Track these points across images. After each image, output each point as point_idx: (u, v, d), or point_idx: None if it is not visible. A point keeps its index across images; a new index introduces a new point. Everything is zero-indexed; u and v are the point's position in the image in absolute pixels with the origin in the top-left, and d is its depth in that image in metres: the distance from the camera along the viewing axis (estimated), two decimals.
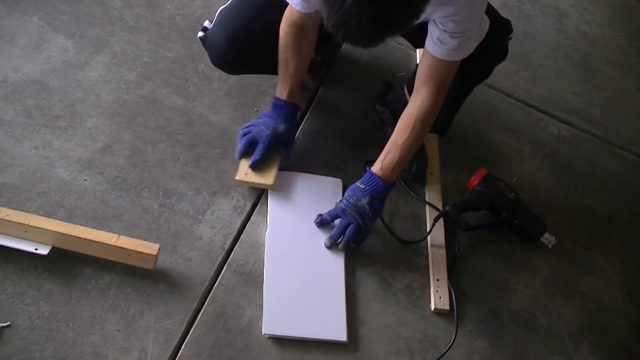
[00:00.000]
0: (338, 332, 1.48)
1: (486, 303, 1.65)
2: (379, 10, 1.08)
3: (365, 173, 1.58)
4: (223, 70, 1.69)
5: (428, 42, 1.46)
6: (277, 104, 1.63)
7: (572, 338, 1.66)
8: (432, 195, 1.78)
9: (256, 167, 1.60)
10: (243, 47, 1.59)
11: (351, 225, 1.55)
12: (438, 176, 1.83)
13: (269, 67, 1.64)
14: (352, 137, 1.83)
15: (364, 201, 1.54)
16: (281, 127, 1.60)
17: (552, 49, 2.43)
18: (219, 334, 1.42)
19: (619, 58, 2.51)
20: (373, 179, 1.55)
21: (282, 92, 1.62)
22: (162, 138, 1.68)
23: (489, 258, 1.74)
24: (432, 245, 1.68)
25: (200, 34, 1.67)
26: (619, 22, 2.65)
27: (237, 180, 1.61)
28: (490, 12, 1.52)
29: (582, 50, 2.47)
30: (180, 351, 1.37)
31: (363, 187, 1.55)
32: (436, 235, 1.69)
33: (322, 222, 1.60)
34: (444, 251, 1.67)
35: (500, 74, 2.24)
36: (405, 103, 1.60)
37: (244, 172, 1.61)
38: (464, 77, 1.56)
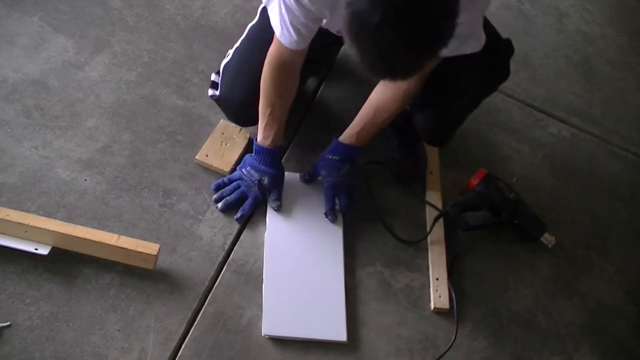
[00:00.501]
0: (338, 332, 1.48)
1: (486, 303, 1.65)
2: (413, 42, 1.02)
3: (331, 144, 1.62)
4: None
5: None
6: (261, 151, 1.57)
7: (572, 338, 1.66)
8: (432, 195, 1.78)
9: (241, 220, 1.59)
10: (250, 114, 1.59)
11: (341, 196, 1.63)
12: (438, 176, 1.83)
13: None
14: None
15: (344, 170, 1.60)
16: (266, 180, 1.58)
17: (552, 49, 2.43)
18: (219, 334, 1.42)
19: (619, 58, 2.51)
20: (347, 149, 1.60)
21: (266, 137, 1.56)
22: (162, 138, 1.68)
23: (489, 258, 1.74)
24: (432, 244, 1.68)
25: (211, 92, 1.67)
26: (619, 22, 2.65)
27: (196, 160, 1.64)
28: (491, 32, 1.49)
29: (582, 50, 2.47)
30: (180, 351, 1.37)
31: (338, 158, 1.60)
32: (436, 235, 1.69)
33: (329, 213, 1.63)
34: (443, 250, 1.67)
35: None
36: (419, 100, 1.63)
37: (205, 153, 1.65)
38: (468, 96, 1.58)
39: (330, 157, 1.61)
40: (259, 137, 1.58)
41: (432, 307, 1.59)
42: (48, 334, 1.32)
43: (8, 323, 1.31)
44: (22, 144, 1.57)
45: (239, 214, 1.57)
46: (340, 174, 1.61)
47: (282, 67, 1.48)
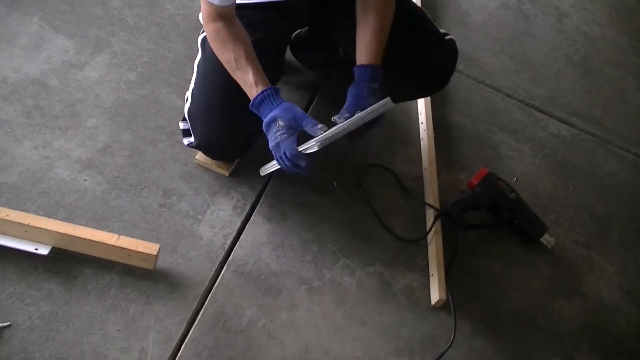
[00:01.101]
0: None
1: (486, 303, 1.65)
2: None
3: (355, 73, 1.46)
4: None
5: None
6: (265, 98, 1.42)
7: (572, 338, 1.66)
8: (431, 195, 1.78)
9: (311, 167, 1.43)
10: (234, 148, 1.59)
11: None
12: (436, 176, 1.82)
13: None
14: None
15: (375, 92, 1.45)
16: (291, 115, 1.40)
17: (552, 49, 2.43)
18: (219, 334, 1.42)
19: (619, 58, 2.51)
20: (375, 69, 1.45)
21: (257, 84, 1.42)
22: (162, 138, 1.68)
23: (489, 258, 1.74)
24: (430, 243, 1.68)
25: (186, 141, 1.60)
26: (619, 22, 2.65)
27: (196, 160, 1.64)
28: (434, 32, 1.60)
29: (582, 50, 2.47)
30: (180, 351, 1.37)
31: (373, 84, 1.44)
32: (435, 234, 1.69)
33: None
34: (441, 248, 1.67)
35: (500, 74, 2.25)
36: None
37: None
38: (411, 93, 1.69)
39: (367, 83, 1.44)
40: (252, 93, 1.43)
41: (432, 303, 1.59)
42: (48, 334, 1.32)
43: (8, 323, 1.31)
44: (22, 144, 1.57)
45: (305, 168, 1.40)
46: (378, 97, 1.42)
47: (222, 20, 1.43)
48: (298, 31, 1.88)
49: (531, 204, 1.81)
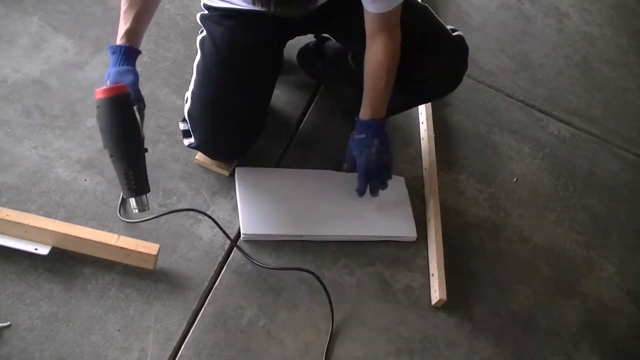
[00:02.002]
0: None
1: (486, 303, 1.65)
2: None
3: (356, 125, 1.60)
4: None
5: (365, 4, 1.46)
6: (118, 50, 1.40)
7: (572, 338, 1.66)
8: (431, 195, 1.78)
9: None
10: (234, 149, 1.62)
11: (375, 180, 1.61)
12: (436, 175, 1.82)
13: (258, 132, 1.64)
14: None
15: (375, 146, 1.56)
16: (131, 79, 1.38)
17: (552, 49, 2.43)
18: (219, 334, 1.42)
19: (619, 58, 2.51)
20: (370, 123, 1.57)
21: (127, 36, 1.41)
22: (162, 138, 1.68)
23: (489, 258, 1.74)
24: (431, 243, 1.68)
25: (186, 142, 1.61)
26: (619, 22, 2.65)
27: (196, 160, 1.64)
28: (441, 29, 1.62)
29: (582, 50, 2.47)
30: (180, 351, 1.37)
31: (365, 135, 1.57)
32: (436, 234, 1.69)
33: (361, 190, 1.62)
34: (442, 248, 1.66)
35: (500, 74, 2.25)
36: (344, 53, 1.74)
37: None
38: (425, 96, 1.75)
39: (357, 136, 1.58)
40: (116, 41, 1.41)
41: (432, 302, 1.59)
42: (48, 334, 1.32)
43: (8, 323, 1.31)
44: (22, 144, 1.57)
45: None
46: (372, 151, 1.57)
47: None
48: (306, 43, 1.90)
49: (531, 203, 1.81)
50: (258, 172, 1.65)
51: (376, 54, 1.52)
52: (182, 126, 1.62)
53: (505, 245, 1.78)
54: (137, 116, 1.31)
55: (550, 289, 1.74)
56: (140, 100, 1.36)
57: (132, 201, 1.32)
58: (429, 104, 1.98)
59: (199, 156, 1.64)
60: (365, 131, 1.57)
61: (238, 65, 1.54)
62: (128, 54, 1.40)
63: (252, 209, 1.59)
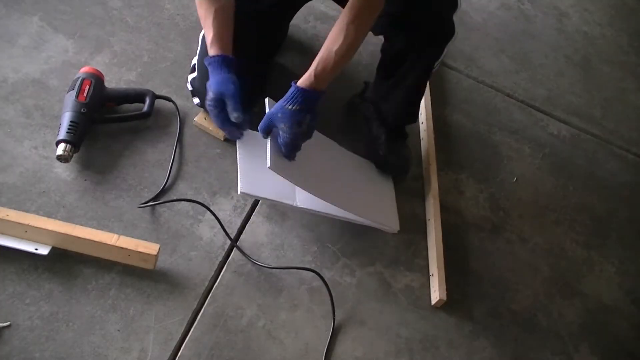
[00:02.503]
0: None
1: (486, 303, 1.65)
2: None
3: (290, 91, 1.46)
4: None
5: None
6: (213, 62, 1.49)
7: (572, 338, 1.66)
8: (431, 195, 1.78)
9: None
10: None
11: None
12: (436, 175, 1.82)
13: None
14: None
15: (305, 122, 1.46)
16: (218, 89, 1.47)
17: (552, 49, 2.43)
18: (219, 334, 1.42)
19: (619, 58, 2.51)
20: (308, 94, 1.44)
21: (218, 45, 1.49)
22: (162, 138, 1.68)
23: (489, 258, 1.74)
24: (431, 243, 1.68)
25: (190, 86, 1.70)
26: (619, 22, 2.65)
27: (194, 122, 1.70)
28: None
29: (582, 50, 2.47)
30: (180, 351, 1.37)
31: (298, 107, 1.44)
32: (436, 234, 1.69)
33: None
34: (442, 248, 1.67)
35: (500, 74, 2.25)
36: (383, 91, 1.72)
37: (204, 116, 1.71)
38: (415, 62, 1.61)
39: (290, 106, 1.44)
40: (209, 52, 1.49)
41: (432, 302, 1.59)
42: (48, 334, 1.32)
43: (8, 323, 1.31)
44: (22, 144, 1.57)
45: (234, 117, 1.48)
46: (302, 127, 1.46)
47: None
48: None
49: (531, 203, 1.81)
50: (259, 135, 1.58)
51: (345, 12, 1.44)
52: (189, 86, 1.70)
53: (505, 245, 1.78)
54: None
55: (550, 289, 1.74)
56: (243, 110, 1.47)
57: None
58: (429, 105, 1.97)
59: (198, 118, 1.71)
60: (300, 103, 1.44)
61: (241, 34, 1.55)
62: (222, 62, 1.48)
63: (251, 168, 1.56)
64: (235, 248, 1.54)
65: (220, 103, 1.48)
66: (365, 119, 1.82)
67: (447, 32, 1.61)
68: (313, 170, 1.61)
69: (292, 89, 1.46)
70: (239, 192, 1.52)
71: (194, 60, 1.70)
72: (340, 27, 1.44)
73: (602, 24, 2.61)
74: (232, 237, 1.55)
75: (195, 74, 1.67)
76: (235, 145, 1.61)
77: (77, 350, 1.31)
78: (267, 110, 1.51)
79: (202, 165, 1.66)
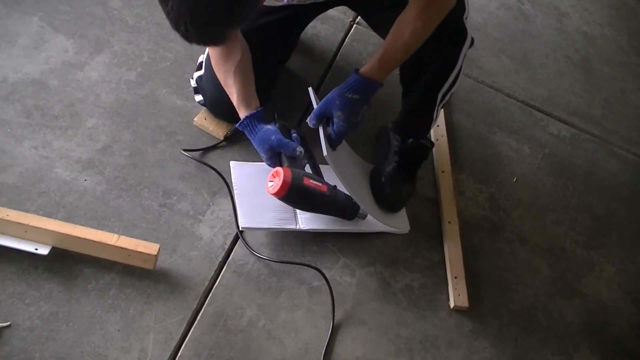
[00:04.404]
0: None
1: (486, 303, 1.65)
2: (199, 15, 1.07)
3: (351, 78, 1.46)
4: None
5: None
6: (248, 124, 1.54)
7: (572, 338, 1.66)
8: (445, 194, 1.78)
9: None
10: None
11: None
12: (451, 179, 1.82)
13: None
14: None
15: (362, 112, 1.47)
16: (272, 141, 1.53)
17: (552, 49, 2.43)
18: (219, 334, 1.42)
19: (619, 58, 2.51)
20: (368, 85, 1.45)
21: (244, 104, 1.55)
22: (162, 138, 1.68)
23: (489, 258, 1.74)
24: (448, 242, 1.69)
25: (193, 83, 1.71)
26: (619, 22, 2.65)
27: (195, 122, 1.70)
28: None
29: (582, 50, 2.47)
30: (180, 351, 1.37)
31: (358, 97, 1.45)
32: (452, 233, 1.70)
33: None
34: (459, 248, 1.67)
35: (500, 74, 2.25)
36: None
37: (204, 116, 1.71)
38: (431, 71, 1.55)
39: (349, 95, 1.45)
40: (239, 113, 1.55)
41: (451, 305, 1.60)
42: (48, 334, 1.32)
43: (8, 323, 1.31)
44: (22, 144, 1.57)
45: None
46: (358, 118, 1.47)
47: (222, 57, 1.52)
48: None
49: (531, 203, 1.81)
50: (253, 166, 1.65)
51: (408, 12, 1.42)
52: (193, 83, 1.70)
53: (505, 245, 1.78)
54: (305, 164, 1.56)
55: (550, 289, 1.74)
56: (297, 144, 1.52)
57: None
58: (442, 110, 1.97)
59: (198, 118, 1.71)
60: (360, 92, 1.45)
61: (252, 40, 1.56)
62: (253, 120, 1.53)
63: (249, 201, 1.58)
64: (240, 239, 1.54)
65: (273, 157, 1.55)
66: (388, 144, 1.73)
67: (458, 35, 1.56)
68: (352, 174, 1.62)
69: (353, 77, 1.45)
70: (239, 229, 1.54)
71: (201, 58, 1.69)
72: (407, 20, 1.42)
73: (602, 24, 2.61)
74: (233, 236, 1.55)
75: (201, 72, 1.67)
76: (237, 139, 1.64)
77: (77, 350, 1.31)
78: (313, 99, 1.52)
79: (202, 165, 1.66)
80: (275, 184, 1.48)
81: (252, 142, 1.56)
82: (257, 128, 1.54)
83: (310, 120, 1.50)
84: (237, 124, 1.56)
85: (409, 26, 1.41)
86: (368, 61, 1.47)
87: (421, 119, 1.67)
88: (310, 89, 1.57)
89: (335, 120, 1.47)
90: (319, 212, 1.58)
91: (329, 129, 1.50)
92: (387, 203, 1.67)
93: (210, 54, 1.57)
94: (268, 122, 1.56)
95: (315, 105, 1.52)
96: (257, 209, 1.58)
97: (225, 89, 1.56)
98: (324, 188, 1.51)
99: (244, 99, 1.55)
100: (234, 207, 1.58)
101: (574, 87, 2.31)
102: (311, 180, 1.50)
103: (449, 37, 1.53)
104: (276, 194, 1.47)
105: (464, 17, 1.57)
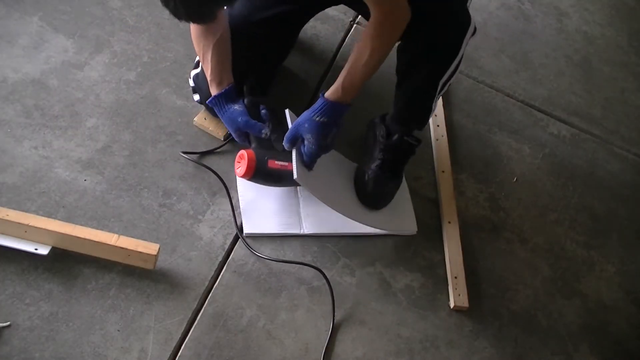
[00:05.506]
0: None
1: (486, 303, 1.65)
2: None
3: (319, 102, 1.47)
4: None
5: None
6: (219, 99, 1.56)
7: (572, 338, 1.66)
8: (445, 194, 1.78)
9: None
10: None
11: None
12: (451, 179, 1.82)
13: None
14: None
15: (331, 135, 1.48)
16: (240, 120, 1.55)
17: (552, 49, 2.42)
18: (219, 334, 1.42)
19: (619, 58, 2.51)
20: (336, 107, 1.46)
21: (216, 81, 1.55)
22: (162, 138, 1.68)
23: (489, 258, 1.74)
24: (448, 242, 1.69)
25: (192, 82, 1.70)
26: (619, 22, 2.65)
27: (194, 122, 1.71)
28: None
29: (582, 50, 2.47)
30: (180, 351, 1.37)
31: (327, 120, 1.45)
32: (452, 233, 1.70)
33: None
34: (459, 248, 1.67)
35: (500, 73, 2.25)
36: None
37: (204, 116, 1.71)
38: (433, 58, 1.54)
39: (317, 118, 1.46)
40: (211, 90, 1.56)
41: (451, 305, 1.60)
42: (48, 334, 1.32)
43: (8, 323, 1.31)
44: (22, 144, 1.57)
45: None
46: (327, 140, 1.48)
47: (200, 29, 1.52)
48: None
49: (531, 203, 1.81)
50: None
51: (365, 33, 1.44)
52: (191, 82, 1.70)
53: (505, 245, 1.78)
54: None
55: (550, 289, 1.74)
56: (263, 125, 1.55)
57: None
58: (441, 108, 1.97)
59: (197, 118, 1.71)
60: (328, 115, 1.46)
61: (248, 38, 1.57)
62: (225, 97, 1.56)
63: (254, 207, 1.60)
64: (240, 239, 1.55)
65: (244, 135, 1.58)
66: (374, 139, 1.73)
67: (462, 22, 1.53)
68: (331, 184, 1.62)
69: (320, 101, 1.48)
70: (240, 231, 1.56)
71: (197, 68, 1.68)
72: (365, 41, 1.44)
73: (602, 24, 2.61)
74: (233, 236, 1.55)
75: (198, 70, 1.67)
76: (235, 142, 1.63)
77: (77, 350, 1.31)
78: (288, 122, 1.56)
79: (202, 165, 1.66)
80: (241, 168, 1.53)
81: (222, 120, 1.59)
82: (225, 107, 1.56)
83: (284, 143, 1.51)
84: (207, 101, 1.58)
85: (367, 48, 1.43)
86: (333, 84, 1.47)
87: (420, 110, 1.65)
88: (287, 110, 1.58)
89: (305, 142, 1.49)
90: (290, 186, 1.62)
91: (302, 150, 1.51)
92: (369, 201, 1.67)
93: (191, 28, 1.55)
94: (237, 100, 1.56)
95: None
96: (262, 214, 1.60)
97: (202, 65, 1.57)
98: (290, 166, 1.51)
99: (217, 76, 1.54)
100: (232, 208, 1.58)
101: (574, 87, 2.31)
102: (276, 162, 1.54)
103: (453, 22, 1.53)
104: (243, 177, 1.53)
105: (468, 3, 1.57)
